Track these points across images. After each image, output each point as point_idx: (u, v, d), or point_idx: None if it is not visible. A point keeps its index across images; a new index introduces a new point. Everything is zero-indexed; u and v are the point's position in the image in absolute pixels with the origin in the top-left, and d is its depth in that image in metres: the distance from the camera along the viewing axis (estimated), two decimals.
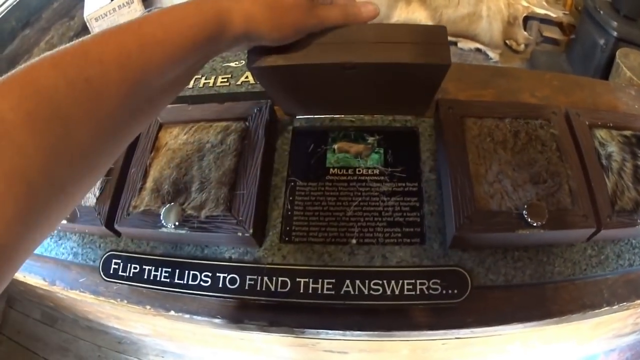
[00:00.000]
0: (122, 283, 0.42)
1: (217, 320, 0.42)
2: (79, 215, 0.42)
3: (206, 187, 0.41)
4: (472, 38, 1.40)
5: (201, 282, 0.41)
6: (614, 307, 0.46)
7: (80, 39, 0.23)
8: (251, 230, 0.39)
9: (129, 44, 0.24)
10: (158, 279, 0.42)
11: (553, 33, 1.40)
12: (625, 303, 0.47)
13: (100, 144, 0.23)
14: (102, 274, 0.42)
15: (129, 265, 0.42)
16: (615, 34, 1.00)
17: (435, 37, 0.34)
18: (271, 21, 0.30)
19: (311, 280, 0.40)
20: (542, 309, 0.43)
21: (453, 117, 0.43)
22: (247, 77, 0.48)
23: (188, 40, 0.26)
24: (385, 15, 1.35)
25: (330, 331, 0.39)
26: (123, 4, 0.94)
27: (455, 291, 0.40)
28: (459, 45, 1.45)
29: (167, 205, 0.40)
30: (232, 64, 0.49)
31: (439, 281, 0.40)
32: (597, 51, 1.06)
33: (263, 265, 0.41)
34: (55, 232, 0.45)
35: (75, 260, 0.45)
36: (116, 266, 0.43)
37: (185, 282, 0.41)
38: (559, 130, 0.46)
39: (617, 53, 0.96)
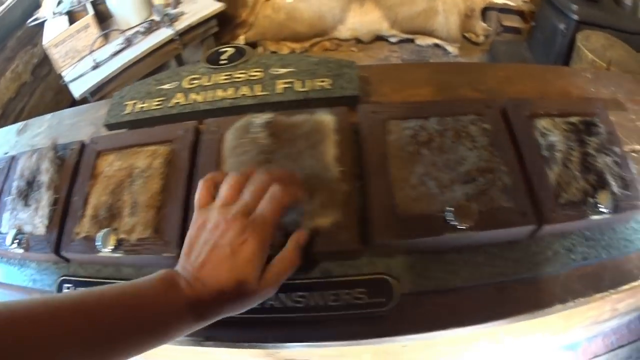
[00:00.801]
0: None
1: None
2: (31, 245, 0.46)
3: (136, 211, 0.43)
4: (430, 34, 1.38)
5: None
6: (568, 304, 0.44)
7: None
8: (177, 250, 0.41)
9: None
10: None
11: (513, 22, 1.36)
12: (580, 299, 0.45)
13: None
14: None
15: (78, 289, 0.46)
16: (575, 17, 0.96)
17: None
18: (229, 309, 0.34)
19: None
20: (484, 312, 0.42)
21: (373, 122, 0.43)
22: (179, 99, 0.50)
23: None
24: (339, 19, 1.35)
25: (255, 343, 0.40)
26: (80, 29, 1.00)
27: (383, 299, 0.40)
28: (417, 42, 1.43)
29: (102, 231, 0.43)
30: (165, 87, 0.51)
31: (364, 290, 0.40)
32: (557, 37, 1.01)
33: None
34: (17, 260, 0.50)
35: (34, 286, 0.49)
36: (67, 290, 0.46)
37: None
38: (492, 125, 0.45)
39: (578, 36, 0.91)
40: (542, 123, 0.47)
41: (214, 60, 0.54)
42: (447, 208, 0.39)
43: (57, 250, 0.46)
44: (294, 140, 0.42)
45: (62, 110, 0.62)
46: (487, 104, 0.47)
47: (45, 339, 0.24)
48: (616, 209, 0.46)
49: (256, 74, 0.52)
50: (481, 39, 1.37)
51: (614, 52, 0.87)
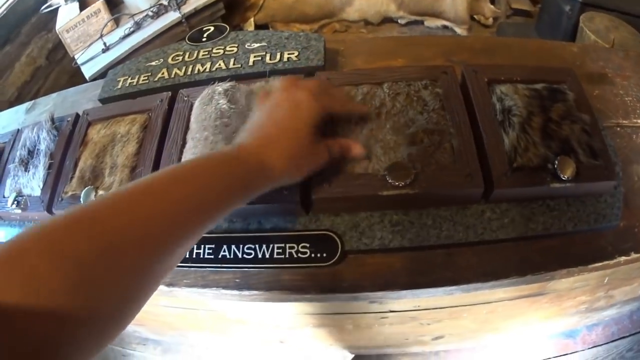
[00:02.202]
0: None
1: None
2: (29, 205, 0.55)
3: (114, 171, 0.50)
4: (438, 15, 1.40)
5: None
6: (527, 276, 0.44)
7: (111, 196, 0.27)
8: None
9: (154, 214, 0.27)
10: None
11: (522, 4, 1.34)
12: (542, 272, 0.45)
13: (125, 302, 0.26)
14: None
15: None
16: None
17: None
18: (291, 171, 0.38)
19: (195, 246, 0.46)
20: (430, 275, 0.44)
21: None
22: (163, 74, 0.57)
23: (213, 208, 0.31)
24: (347, 0, 1.40)
25: (212, 289, 0.44)
26: (91, 14, 1.12)
27: (324, 254, 0.43)
28: (426, 24, 1.45)
29: (85, 189, 0.50)
30: (153, 63, 0.59)
31: (307, 245, 0.44)
32: (563, 18, 0.99)
33: None
34: (17, 221, 0.58)
35: None
36: None
37: None
38: (445, 89, 0.47)
39: (581, 17, 0.89)
40: (502, 88, 0.49)
41: (196, 38, 0.62)
42: (382, 170, 0.42)
43: (49, 209, 0.54)
44: (250, 105, 0.47)
45: (67, 89, 0.72)
46: (443, 69, 0.49)
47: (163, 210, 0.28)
48: (580, 177, 0.45)
49: (232, 49, 0.58)
50: (490, 21, 1.37)
51: (617, 34, 0.84)
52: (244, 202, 0.35)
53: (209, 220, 0.31)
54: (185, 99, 0.53)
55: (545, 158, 0.46)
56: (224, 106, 0.49)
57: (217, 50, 0.60)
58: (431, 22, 1.46)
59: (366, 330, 0.65)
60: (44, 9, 1.26)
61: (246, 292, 0.47)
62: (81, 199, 0.51)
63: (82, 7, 1.17)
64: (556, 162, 0.45)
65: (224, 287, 0.47)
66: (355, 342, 0.71)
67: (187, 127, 0.51)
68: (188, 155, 0.48)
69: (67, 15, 1.17)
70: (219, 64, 0.58)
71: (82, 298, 0.23)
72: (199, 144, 0.48)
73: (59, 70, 1.42)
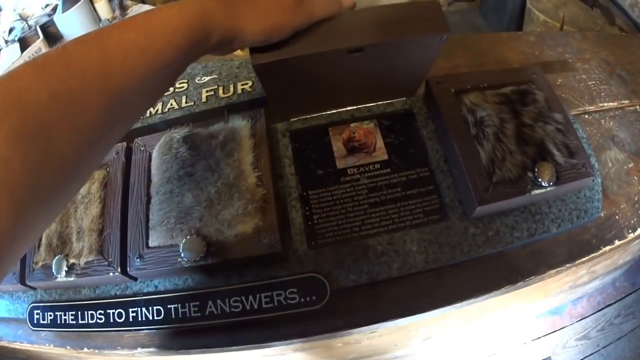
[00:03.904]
0: (45, 330, 0.49)
1: (119, 351, 0.46)
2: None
3: (82, 236, 0.46)
4: None
5: (97, 320, 0.46)
6: (518, 283, 0.42)
7: (63, 45, 0.24)
8: (119, 269, 0.42)
9: (111, 52, 0.25)
10: (67, 322, 0.48)
11: None
12: (533, 277, 0.43)
13: (82, 154, 0.24)
14: (29, 324, 0.49)
15: (45, 313, 0.49)
16: None
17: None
18: (255, 23, 0.31)
19: (179, 305, 0.42)
20: (422, 300, 0.41)
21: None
22: None
23: (172, 46, 0.27)
24: None
25: (202, 349, 0.41)
26: (32, 54, 1.04)
27: (314, 297, 0.40)
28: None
29: (56, 258, 0.45)
30: None
31: (295, 290, 0.40)
32: (508, 1, 0.94)
33: (140, 298, 0.44)
34: None
35: (11, 315, 0.53)
36: (38, 316, 0.50)
37: (86, 321, 0.47)
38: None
39: None
40: (470, 98, 0.45)
41: None
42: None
43: (22, 281, 0.49)
44: (212, 151, 0.42)
45: None
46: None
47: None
48: (560, 180, 0.42)
49: (182, 85, 0.53)
50: None
51: (566, 10, 0.81)
52: (208, 46, 0.30)
53: (165, 58, 0.27)
54: (142, 148, 0.48)
55: (523, 166, 0.43)
56: (185, 154, 0.44)
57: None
58: None
59: (356, 345, 0.64)
60: None
61: (241, 347, 0.43)
62: (53, 270, 0.47)
63: (24, 47, 1.07)
64: (535, 169, 0.42)
65: (218, 346, 0.44)
66: (345, 355, 0.69)
67: (149, 180, 0.46)
68: (156, 212, 0.44)
69: (9, 58, 1.07)
70: (171, 104, 0.53)
71: (37, 148, 0.20)
72: (165, 200, 0.44)
73: None
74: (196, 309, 0.44)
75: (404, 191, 0.46)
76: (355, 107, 0.51)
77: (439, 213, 0.45)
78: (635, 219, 0.46)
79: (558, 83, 0.57)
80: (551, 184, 0.43)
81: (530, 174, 0.43)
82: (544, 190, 0.43)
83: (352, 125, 0.50)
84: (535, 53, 0.57)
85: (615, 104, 0.55)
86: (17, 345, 0.56)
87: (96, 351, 0.50)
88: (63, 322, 0.50)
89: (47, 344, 0.52)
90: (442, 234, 0.44)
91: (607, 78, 0.56)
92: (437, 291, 0.43)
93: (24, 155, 0.20)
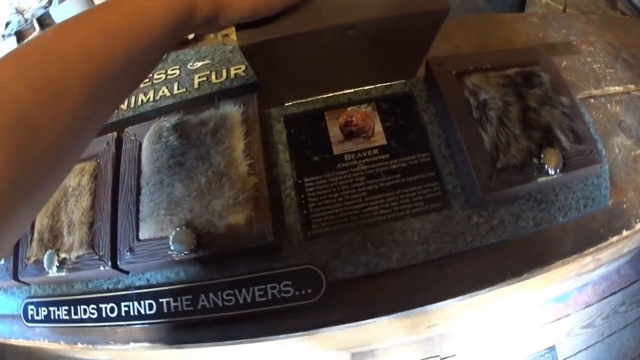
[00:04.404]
0: (39, 325, 0.47)
1: (113, 346, 0.44)
2: None
3: (72, 230, 0.44)
4: None
5: (90, 315, 0.44)
6: (523, 275, 0.40)
7: (42, 33, 0.23)
8: (110, 263, 0.40)
9: (91, 36, 0.23)
10: (60, 317, 0.47)
11: None
12: (539, 268, 0.40)
13: (64, 141, 0.23)
14: (23, 320, 0.47)
15: (39, 309, 0.48)
16: None
17: None
18: (244, 1, 0.29)
19: (172, 299, 0.40)
20: (424, 292, 0.39)
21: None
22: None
23: (155, 26, 0.25)
24: None
25: (200, 343, 0.39)
26: None
27: (309, 290, 0.38)
28: None
29: (47, 253, 0.43)
30: None
31: (290, 282, 0.38)
32: None
33: (132, 292, 0.42)
34: None
35: (6, 312, 0.52)
36: (32, 312, 0.48)
37: (79, 316, 0.46)
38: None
39: None
40: (473, 80, 0.42)
41: None
42: None
43: (15, 276, 0.48)
44: (203, 139, 0.40)
45: None
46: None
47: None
48: (567, 167, 0.40)
49: (174, 72, 0.51)
50: None
51: None
52: (193, 24, 0.28)
53: (151, 39, 0.25)
54: (132, 138, 0.46)
55: (529, 152, 0.41)
56: (175, 143, 0.42)
57: (159, 76, 0.52)
58: None
59: (358, 334, 0.62)
60: None
61: (235, 342, 0.41)
62: (44, 264, 0.45)
63: (21, 40, 1.04)
64: (542, 155, 0.40)
65: (212, 340, 0.42)
66: (349, 343, 0.68)
67: (139, 170, 0.44)
68: (146, 204, 0.42)
69: (5, 51, 1.04)
70: (163, 91, 0.50)
71: (17, 140, 0.20)
72: (155, 190, 0.42)
73: None
74: (188, 302, 0.42)
75: (404, 178, 0.44)
76: (352, 90, 0.49)
77: (441, 201, 0.42)
78: None
79: (563, 65, 0.54)
80: (558, 170, 0.40)
81: (536, 160, 0.41)
82: (550, 177, 0.40)
83: (349, 109, 0.48)
84: (539, 35, 0.54)
85: (621, 88, 0.52)
86: (13, 342, 0.54)
87: (90, 346, 0.48)
88: (57, 317, 0.48)
89: (42, 340, 0.51)
90: (443, 223, 0.41)
91: (612, 61, 0.53)
92: (438, 283, 0.41)
93: (5, 147, 0.19)
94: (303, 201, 0.43)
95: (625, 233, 0.44)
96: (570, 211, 0.43)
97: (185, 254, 0.40)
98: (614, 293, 0.72)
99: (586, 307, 0.72)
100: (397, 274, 0.40)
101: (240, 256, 0.42)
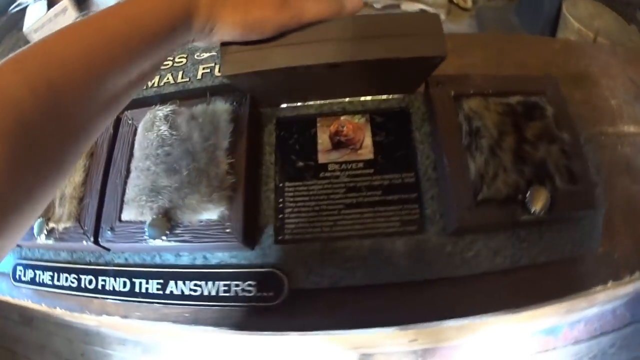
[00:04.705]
0: (24, 286, 0.50)
1: (87, 315, 0.47)
2: None
3: (63, 202, 0.46)
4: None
5: (70, 283, 0.46)
6: (490, 313, 0.38)
7: (44, 39, 0.24)
8: (92, 239, 0.42)
9: (92, 42, 0.24)
10: (44, 282, 0.49)
11: None
12: (508, 310, 0.39)
13: (65, 146, 0.23)
14: (12, 279, 0.51)
15: (26, 271, 0.51)
16: None
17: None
18: (235, 12, 0.29)
19: (144, 280, 0.42)
20: (382, 314, 0.38)
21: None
22: None
23: (154, 35, 0.26)
24: None
25: (163, 323, 0.41)
26: (58, 12, 1.04)
27: (271, 293, 0.38)
28: (402, 7, 1.32)
29: (37, 221, 0.46)
30: None
31: (253, 283, 0.39)
32: (544, 3, 0.86)
33: (110, 268, 0.44)
34: None
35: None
36: (20, 272, 0.52)
37: (61, 283, 0.48)
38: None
39: (565, 4, 0.77)
40: (471, 104, 0.41)
41: None
42: None
43: None
44: (191, 133, 0.40)
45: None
46: None
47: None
48: (555, 208, 0.38)
49: (181, 60, 0.53)
50: (469, 4, 1.24)
51: (602, 21, 0.73)
52: (189, 36, 0.29)
53: (141, 54, 0.26)
54: (130, 122, 0.47)
55: (516, 187, 0.39)
56: (165, 133, 0.43)
57: (167, 62, 0.53)
58: (408, 6, 1.33)
59: (362, 335, 0.62)
60: (13, 8, 1.17)
61: (196, 327, 0.43)
62: (34, 231, 0.47)
63: (51, 5, 1.08)
64: (528, 193, 0.38)
65: (175, 322, 0.43)
66: (356, 343, 0.67)
67: (131, 154, 0.46)
68: (131, 188, 0.43)
69: (35, 15, 1.09)
70: (168, 78, 0.52)
71: (18, 144, 0.20)
72: (141, 175, 0.43)
73: None
74: (159, 286, 0.44)
75: (384, 196, 0.43)
76: (347, 100, 0.48)
77: (417, 224, 0.41)
78: (635, 260, 0.41)
79: (577, 98, 0.51)
80: (543, 212, 0.38)
81: (521, 197, 0.39)
82: (533, 217, 0.38)
83: (342, 118, 0.47)
84: (558, 62, 0.51)
85: (637, 129, 0.48)
86: (1, 297, 0.58)
87: (67, 312, 0.51)
88: (41, 281, 0.51)
89: (26, 299, 0.54)
90: (416, 247, 0.40)
91: (632, 99, 0.49)
92: (399, 308, 0.40)
93: (5, 152, 0.19)
94: (280, 205, 0.44)
95: (610, 284, 0.42)
96: (554, 254, 0.41)
97: (159, 240, 0.41)
98: (606, 333, 0.68)
99: (575, 343, 0.69)
100: (360, 291, 0.40)
101: (212, 249, 0.42)
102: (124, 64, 0.25)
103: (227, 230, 0.39)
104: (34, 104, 0.21)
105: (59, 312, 0.52)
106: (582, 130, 0.47)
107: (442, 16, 1.28)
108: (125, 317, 0.47)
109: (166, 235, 0.40)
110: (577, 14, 0.78)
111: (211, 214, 0.39)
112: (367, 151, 0.46)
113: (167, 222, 0.40)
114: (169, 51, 0.29)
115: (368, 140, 0.46)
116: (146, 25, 0.25)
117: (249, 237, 0.41)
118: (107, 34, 0.24)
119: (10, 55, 0.22)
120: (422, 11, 1.23)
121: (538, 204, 0.38)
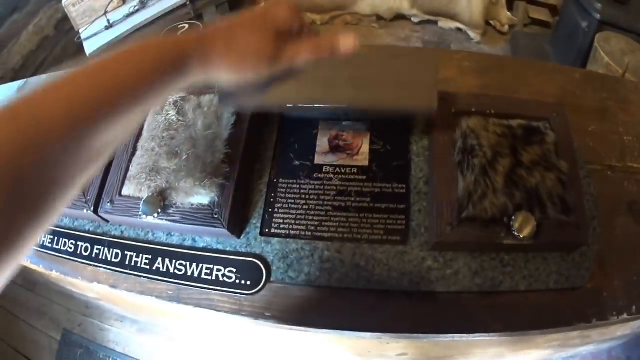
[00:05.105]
0: None
1: (80, 281, 0.49)
2: None
3: None
4: (453, 17, 1.28)
5: (68, 249, 0.49)
6: (463, 334, 0.38)
7: (33, 90, 0.24)
8: (92, 209, 0.45)
9: (80, 97, 0.25)
10: (44, 244, 0.53)
11: (541, 14, 1.21)
12: (483, 334, 0.39)
13: (56, 194, 0.24)
14: None
15: None
16: (598, 16, 0.84)
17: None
18: (231, 67, 0.30)
19: (135, 254, 0.44)
20: (356, 319, 0.39)
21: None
22: None
23: (142, 89, 0.27)
24: None
25: (148, 297, 0.43)
26: None
27: (249, 282, 0.39)
28: (440, 24, 1.33)
29: None
30: None
31: (234, 270, 0.40)
32: (579, 35, 0.86)
33: (106, 238, 0.46)
34: None
35: None
36: None
37: (59, 247, 0.51)
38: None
39: (597, 37, 0.78)
40: (470, 122, 0.41)
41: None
42: None
43: None
44: (196, 120, 0.42)
45: (57, 72, 0.70)
46: None
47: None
48: (541, 236, 0.37)
49: None
50: (506, 28, 1.25)
51: (633, 58, 0.71)
52: (178, 84, 0.29)
53: (136, 100, 0.27)
54: None
55: (503, 209, 0.39)
56: (173, 118, 0.45)
57: None
58: (445, 24, 1.34)
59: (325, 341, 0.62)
60: None
61: (177, 305, 0.44)
62: None
63: None
64: (513, 217, 0.37)
65: (158, 297, 0.45)
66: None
67: (139, 134, 0.48)
68: (135, 165, 0.45)
69: None
70: None
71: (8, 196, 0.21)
72: (145, 154, 0.45)
73: (67, 41, 1.34)
74: (147, 262, 0.46)
75: (373, 203, 0.43)
76: (352, 106, 0.48)
77: (401, 235, 0.42)
78: (624, 302, 0.40)
79: (590, 130, 0.49)
80: (527, 238, 0.37)
81: (506, 221, 0.38)
82: (518, 242, 0.38)
83: (344, 123, 0.48)
84: (575, 92, 0.50)
85: None
86: None
87: (62, 276, 0.54)
88: (42, 243, 0.54)
89: (26, 259, 0.57)
90: (395, 257, 0.40)
91: None
92: (374, 316, 0.40)
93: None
94: (271, 199, 0.45)
95: (594, 322, 0.40)
96: (536, 283, 0.40)
97: (151, 217, 0.43)
98: None
99: None
100: (335, 293, 0.40)
101: (201, 233, 0.44)
102: (110, 119, 0.25)
103: (215, 216, 0.40)
104: (26, 156, 0.21)
105: (54, 275, 0.55)
106: (586, 162, 0.46)
107: (477, 37, 1.28)
108: (113, 286, 0.49)
109: (158, 213, 0.41)
110: (608, 49, 0.77)
111: (202, 198, 0.41)
112: (362, 158, 0.46)
113: (160, 201, 0.42)
114: (159, 100, 0.29)
115: (365, 148, 0.47)
116: (136, 78, 0.26)
117: (236, 225, 0.42)
118: (94, 90, 0.25)
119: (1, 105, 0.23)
120: (459, 30, 1.23)
121: (524, 229, 0.37)
